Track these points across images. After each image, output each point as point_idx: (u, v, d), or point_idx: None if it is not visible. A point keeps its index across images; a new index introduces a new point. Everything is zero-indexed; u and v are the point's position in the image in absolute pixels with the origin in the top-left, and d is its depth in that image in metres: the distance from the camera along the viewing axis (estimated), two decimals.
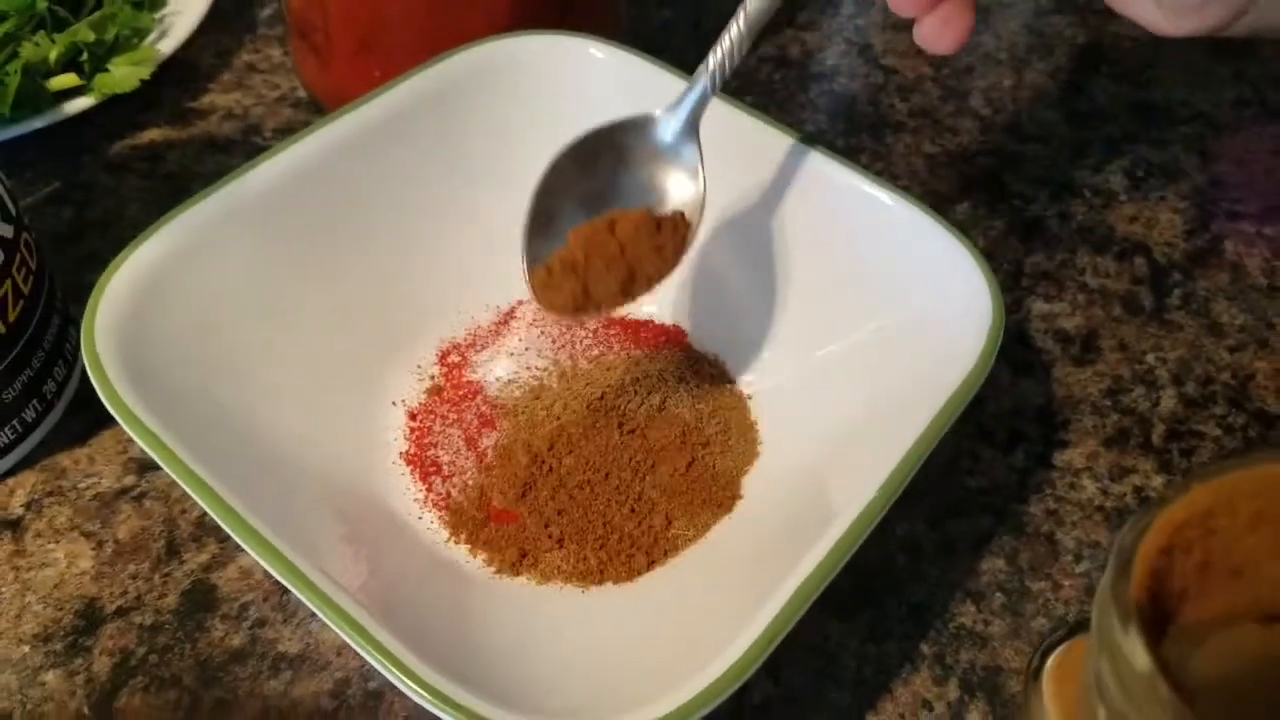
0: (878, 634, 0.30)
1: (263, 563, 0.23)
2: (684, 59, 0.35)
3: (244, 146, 0.42)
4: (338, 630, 0.22)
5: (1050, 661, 0.19)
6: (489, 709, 0.21)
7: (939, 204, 0.42)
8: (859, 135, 0.45)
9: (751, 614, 0.23)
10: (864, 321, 0.31)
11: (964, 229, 0.41)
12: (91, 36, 0.39)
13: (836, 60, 0.49)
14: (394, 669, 0.22)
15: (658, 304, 0.36)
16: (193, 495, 0.24)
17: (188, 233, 0.29)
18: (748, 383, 0.34)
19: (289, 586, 0.23)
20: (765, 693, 0.29)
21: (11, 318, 0.29)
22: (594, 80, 0.35)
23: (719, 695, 0.21)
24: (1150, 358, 0.38)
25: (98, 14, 0.40)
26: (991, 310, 0.28)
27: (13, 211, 0.29)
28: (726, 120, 0.33)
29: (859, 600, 0.30)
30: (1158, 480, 0.34)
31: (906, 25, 0.52)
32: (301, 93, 0.44)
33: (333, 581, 0.23)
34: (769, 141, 0.33)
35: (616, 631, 0.27)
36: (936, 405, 0.26)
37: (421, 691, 0.21)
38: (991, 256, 0.40)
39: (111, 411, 0.25)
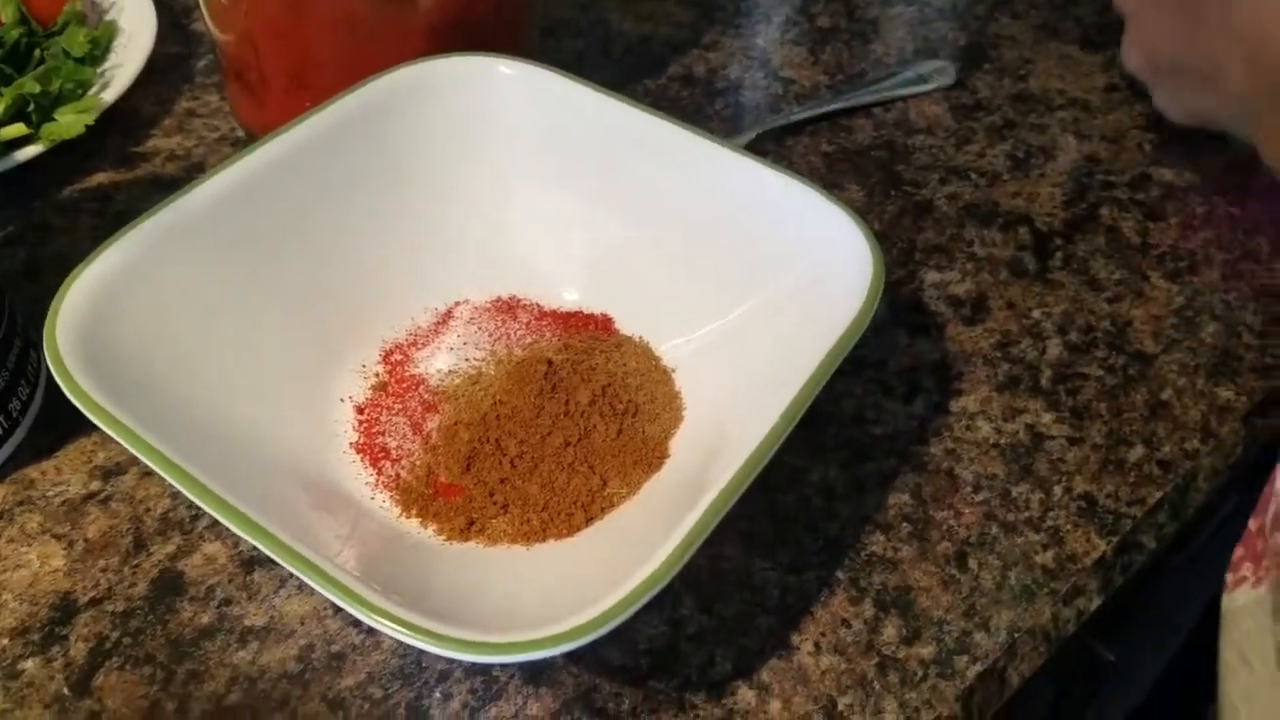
0: (797, 566, 0.33)
1: (246, 535, 0.25)
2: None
3: (188, 184, 0.45)
4: (308, 579, 0.25)
5: None
6: (452, 630, 0.24)
7: (836, 193, 0.46)
8: (763, 140, 0.49)
9: (674, 531, 0.26)
10: (763, 286, 0.35)
11: (860, 213, 0.45)
12: (37, 88, 0.42)
13: (739, 75, 0.53)
14: (359, 606, 0.24)
15: (583, 294, 0.39)
16: (169, 479, 0.26)
17: (138, 247, 0.31)
18: (670, 354, 0.37)
19: (265, 549, 0.25)
20: (699, 624, 0.31)
21: None
22: (504, 94, 0.38)
23: (650, 591, 0.24)
24: (1036, 313, 0.41)
25: (42, 68, 0.43)
26: (871, 263, 0.32)
27: None
28: (636, 124, 0.37)
29: (779, 539, 0.33)
30: (1048, 418, 0.38)
31: (803, 40, 0.56)
32: (240, 133, 0.47)
33: (302, 541, 0.26)
34: (675, 141, 0.37)
35: (560, 576, 0.30)
36: (828, 345, 0.30)
37: (390, 623, 0.24)
38: (886, 237, 0.44)
39: (80, 407, 0.27)
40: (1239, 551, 0.32)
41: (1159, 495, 0.35)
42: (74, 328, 0.29)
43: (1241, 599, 0.31)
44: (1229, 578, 0.31)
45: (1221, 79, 0.31)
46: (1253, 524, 0.32)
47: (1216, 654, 0.31)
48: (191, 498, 0.26)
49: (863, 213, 0.45)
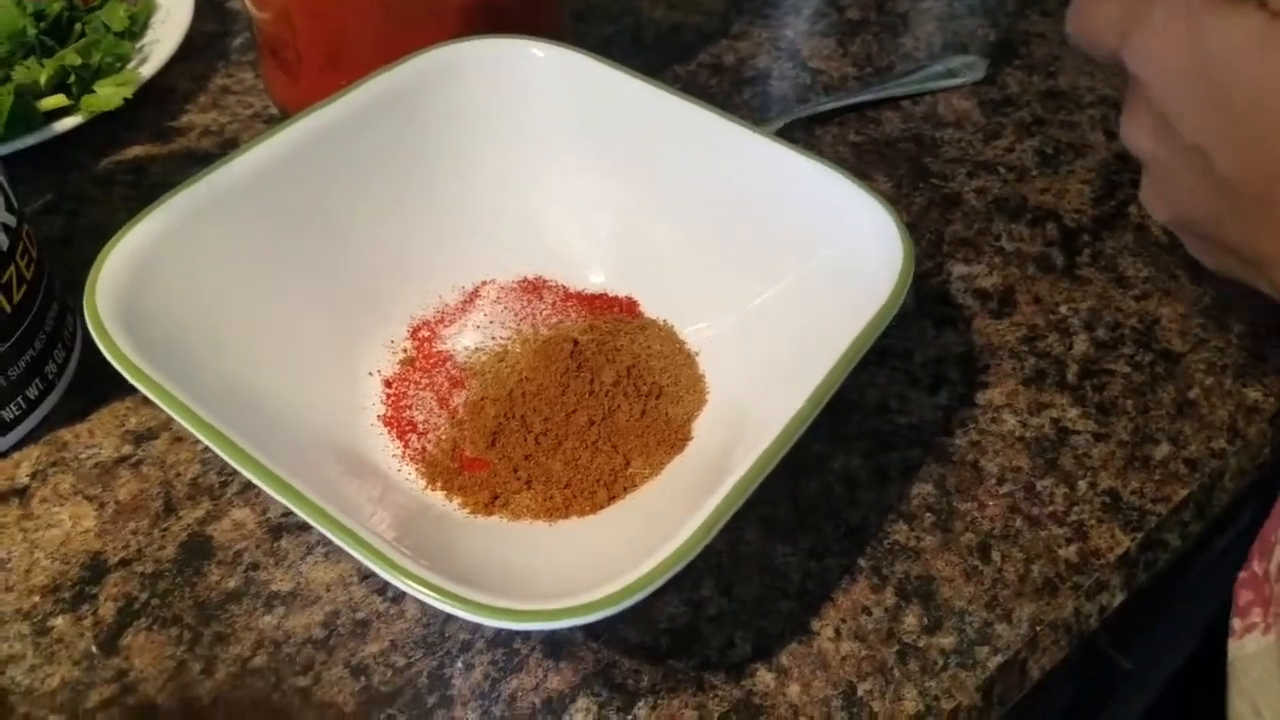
0: (819, 552, 0.33)
1: (282, 498, 0.25)
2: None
3: (222, 158, 0.45)
4: (341, 542, 0.25)
5: None
6: (479, 596, 0.24)
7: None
8: (791, 130, 0.49)
9: (699, 509, 0.26)
10: (790, 272, 0.35)
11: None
12: (78, 61, 0.43)
13: (768, 64, 0.53)
14: (391, 569, 0.24)
15: (609, 277, 0.39)
16: (207, 441, 0.26)
17: (173, 219, 0.32)
18: (694, 338, 0.37)
19: (301, 513, 0.25)
20: (719, 606, 0.31)
21: (16, 299, 0.32)
22: (535, 76, 0.38)
23: (675, 566, 0.24)
24: (1063, 308, 0.41)
25: (83, 41, 0.44)
26: (901, 250, 0.32)
27: (14, 203, 0.32)
28: (666, 108, 0.37)
29: (801, 524, 0.33)
30: (1074, 413, 0.37)
31: (832, 32, 0.56)
32: (274, 110, 0.48)
33: (340, 509, 0.26)
34: (705, 125, 0.37)
35: (582, 552, 0.30)
36: (855, 332, 0.30)
37: (420, 587, 0.24)
38: (914, 228, 0.44)
39: (120, 369, 0.27)
40: (1247, 595, 0.31)
41: (1184, 493, 0.35)
42: (112, 295, 0.29)
43: (1252, 646, 0.30)
44: (1237, 623, 0.30)
45: (1272, 275, 0.27)
46: (1258, 567, 0.31)
47: (1226, 703, 0.31)
48: (229, 460, 0.26)
49: (891, 203, 0.45)
